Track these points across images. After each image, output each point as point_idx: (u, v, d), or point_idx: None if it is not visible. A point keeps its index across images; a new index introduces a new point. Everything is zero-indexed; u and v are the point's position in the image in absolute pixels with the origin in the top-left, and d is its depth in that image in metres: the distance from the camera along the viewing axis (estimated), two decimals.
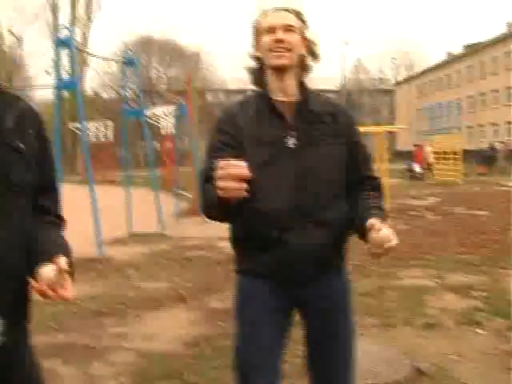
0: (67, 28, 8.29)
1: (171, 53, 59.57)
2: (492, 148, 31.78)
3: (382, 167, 14.17)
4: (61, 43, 7.86)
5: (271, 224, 1.86)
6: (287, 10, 1.92)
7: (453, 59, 57.57)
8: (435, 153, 24.02)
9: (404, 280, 6.03)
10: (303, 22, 1.96)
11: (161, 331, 4.52)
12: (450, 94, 54.06)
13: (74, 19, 42.20)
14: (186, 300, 5.39)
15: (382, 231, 1.66)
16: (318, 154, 1.89)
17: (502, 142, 33.32)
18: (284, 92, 1.95)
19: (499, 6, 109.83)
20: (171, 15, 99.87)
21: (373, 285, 5.78)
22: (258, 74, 2.01)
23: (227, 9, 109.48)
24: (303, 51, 1.96)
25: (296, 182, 1.86)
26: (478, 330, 4.30)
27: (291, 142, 1.88)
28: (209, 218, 1.94)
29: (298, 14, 1.95)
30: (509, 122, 46.84)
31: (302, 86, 1.98)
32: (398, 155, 50.02)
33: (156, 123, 17.99)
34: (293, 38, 1.90)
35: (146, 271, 6.81)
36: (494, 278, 5.97)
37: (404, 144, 63.51)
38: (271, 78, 1.96)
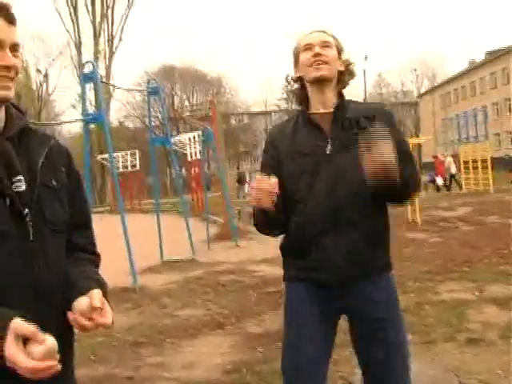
0: (91, 63, 8.47)
1: (193, 79, 60.44)
2: None
3: None
4: (86, 78, 8.02)
5: (308, 230, 1.98)
6: (323, 32, 2.08)
7: (475, 67, 57.06)
8: (464, 162, 23.68)
9: (442, 294, 5.89)
10: (338, 42, 2.10)
11: (199, 359, 4.49)
12: (475, 102, 53.44)
13: (97, 53, 43.15)
14: (223, 326, 5.36)
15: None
16: (352, 157, 1.92)
17: None
18: (323, 104, 2.06)
19: None
20: (192, 42, 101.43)
21: (410, 300, 5.67)
22: (300, 94, 2.13)
23: (247, 32, 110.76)
24: (340, 67, 2.07)
25: (331, 185, 1.96)
26: None
27: (329, 148, 1.98)
28: (258, 229, 2.14)
29: (334, 36, 2.09)
30: None
31: (340, 96, 2.09)
32: (424, 167, 49.47)
33: (182, 150, 18.17)
34: (330, 53, 2.03)
35: (181, 299, 6.81)
36: None
37: (429, 155, 62.85)
38: (312, 93, 2.08)
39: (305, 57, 2.03)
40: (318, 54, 1.99)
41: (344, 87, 2.12)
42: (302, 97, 2.12)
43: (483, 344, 4.22)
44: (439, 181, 24.24)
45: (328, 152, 1.98)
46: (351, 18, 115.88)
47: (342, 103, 2.05)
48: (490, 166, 21.14)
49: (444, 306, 5.37)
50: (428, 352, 4.17)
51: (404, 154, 1.93)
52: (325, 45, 2.02)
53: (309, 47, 2.03)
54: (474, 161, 22.53)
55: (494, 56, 52.66)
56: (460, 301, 5.52)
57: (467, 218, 12.85)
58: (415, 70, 68.62)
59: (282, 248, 2.13)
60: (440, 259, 7.82)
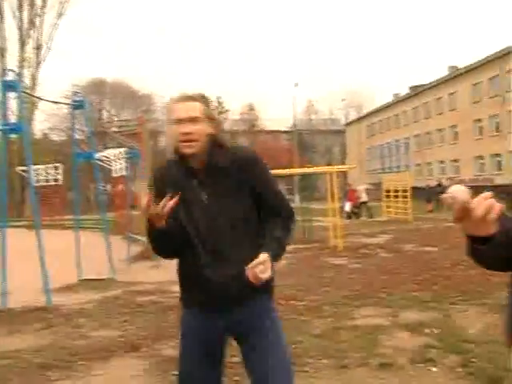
0: (14, 71, 8.17)
1: (124, 95, 59.57)
2: (439, 185, 32.75)
3: (333, 206, 14.39)
4: (7, 86, 7.72)
5: (194, 263, 2.20)
6: (192, 100, 2.16)
7: (399, 100, 59.66)
8: (386, 191, 24.56)
9: (358, 319, 6.03)
10: (207, 110, 2.18)
11: (111, 383, 4.35)
12: (398, 133, 55.79)
13: (22, 61, 41.69)
14: (138, 348, 5.22)
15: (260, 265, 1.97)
16: (223, 204, 2.17)
17: (449, 179, 34.41)
18: (197, 161, 2.19)
19: (441, 49, 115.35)
20: (124, 58, 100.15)
21: (326, 325, 5.77)
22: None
23: (180, 52, 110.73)
24: (211, 130, 2.18)
25: (208, 228, 2.18)
26: (431, 368, 4.32)
27: (204, 197, 2.18)
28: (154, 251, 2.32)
29: (203, 98, 2.19)
30: (455, 160, 48.57)
31: (213, 145, 2.19)
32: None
33: (108, 166, 17.76)
34: (199, 130, 2.13)
35: (97, 319, 6.59)
36: (445, 314, 6.05)
37: (355, 183, 64.79)
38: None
39: (176, 131, 2.14)
40: (187, 134, 2.11)
41: (218, 135, 2.24)
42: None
43: (393, 369, 4.34)
44: (347, 207, 24.73)
45: (205, 200, 2.20)
46: (284, 45, 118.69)
47: (214, 154, 2.18)
48: (409, 196, 22.03)
49: (359, 331, 5.49)
50: (341, 376, 4.24)
51: (273, 193, 2.29)
52: (194, 120, 2.12)
53: (178, 122, 2.13)
54: (396, 190, 23.43)
55: (417, 91, 55.36)
56: (375, 326, 5.66)
57: (386, 245, 13.29)
58: (344, 99, 70.89)
59: (177, 274, 2.35)
60: (358, 285, 8.02)
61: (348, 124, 72.28)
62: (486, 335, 5.15)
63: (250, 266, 1.97)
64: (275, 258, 2.11)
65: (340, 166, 25.42)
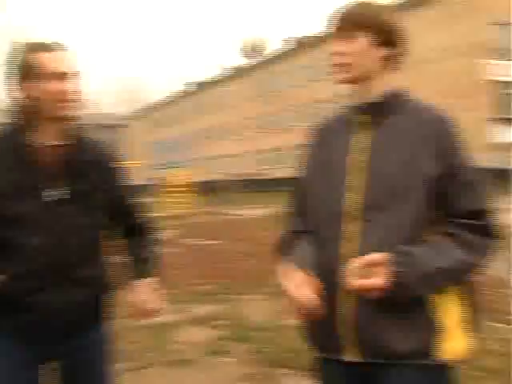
0: None
1: None
2: (220, 179, 34.27)
3: None
4: None
5: (18, 286, 1.77)
6: (63, 48, 1.81)
7: (182, 95, 60.91)
8: (168, 186, 24.85)
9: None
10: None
11: None
12: (181, 128, 56.90)
13: None
14: None
15: (140, 293, 1.81)
16: (80, 209, 1.83)
17: (235, 175, 36.19)
18: (55, 136, 1.81)
19: (215, 49, 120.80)
20: None
21: (117, 326, 5.59)
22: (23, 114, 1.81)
23: None
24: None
25: (52, 239, 1.78)
26: (225, 359, 4.47)
27: (52, 194, 1.78)
28: None
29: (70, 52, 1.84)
30: (237, 155, 51.21)
31: (74, 128, 1.87)
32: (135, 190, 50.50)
33: None
34: (77, 86, 1.81)
35: None
36: (233, 305, 6.33)
37: (137, 179, 64.43)
38: (42, 123, 1.79)
39: (54, 88, 1.75)
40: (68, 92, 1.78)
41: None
42: (21, 118, 1.82)
43: (190, 364, 4.40)
44: None
45: (52, 199, 1.80)
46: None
47: (78, 139, 1.88)
48: (193, 190, 22.61)
49: (151, 330, 5.42)
50: (139, 377, 4.15)
51: (130, 200, 2.14)
52: (75, 76, 1.81)
53: (60, 76, 1.76)
54: (179, 185, 23.85)
55: (198, 87, 57.12)
56: (166, 323, 5.64)
57: (172, 240, 13.41)
58: (125, 93, 69.92)
59: None
60: None
61: (130, 119, 71.52)
62: (271, 321, 5.52)
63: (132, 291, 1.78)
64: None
65: (125, 163, 24.99)
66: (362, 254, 1.48)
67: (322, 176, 1.67)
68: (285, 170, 44.21)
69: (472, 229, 1.52)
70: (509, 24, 29.90)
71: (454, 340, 1.55)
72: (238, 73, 50.14)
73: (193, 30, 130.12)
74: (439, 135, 1.55)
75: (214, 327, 5.43)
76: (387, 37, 1.59)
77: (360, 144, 1.61)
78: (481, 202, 1.55)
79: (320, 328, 1.62)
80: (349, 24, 1.58)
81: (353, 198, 1.57)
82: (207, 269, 8.84)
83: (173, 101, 61.79)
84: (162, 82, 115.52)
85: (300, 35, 45.17)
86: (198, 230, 15.38)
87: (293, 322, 5.38)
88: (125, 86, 70.50)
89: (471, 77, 28.06)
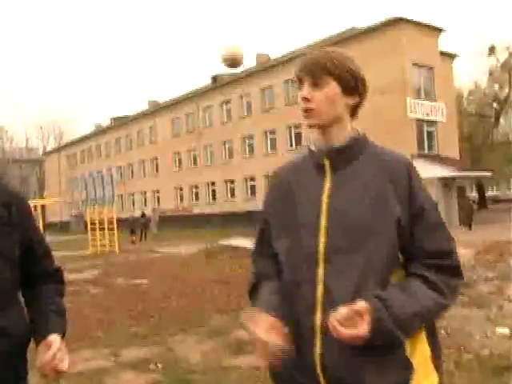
0: None
1: None
2: (143, 215, 33.66)
3: None
4: None
5: None
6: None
7: (101, 131, 59.89)
8: (91, 223, 24.10)
9: (78, 364, 5.66)
10: None
11: None
12: (101, 164, 55.73)
13: None
14: None
15: (45, 352, 1.62)
16: None
17: (154, 211, 35.61)
18: None
19: (142, 83, 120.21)
20: None
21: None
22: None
23: None
24: None
25: None
26: None
27: None
28: None
29: None
30: (156, 191, 50.66)
31: None
32: (48, 227, 48.65)
33: None
34: None
35: None
36: (166, 347, 6.13)
37: (55, 215, 62.23)
38: None
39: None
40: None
41: None
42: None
43: None
44: None
45: None
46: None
47: None
48: (115, 227, 22.04)
49: (81, 377, 5.15)
50: None
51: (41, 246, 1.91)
52: None
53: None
54: (101, 222, 23.18)
55: (119, 122, 56.39)
56: (97, 369, 5.40)
57: (97, 280, 12.97)
58: (41, 127, 67.92)
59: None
60: (72, 326, 7.55)
61: (47, 153, 69.31)
62: (207, 362, 5.39)
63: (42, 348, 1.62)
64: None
65: (42, 200, 24.12)
66: (335, 297, 1.49)
67: (289, 219, 1.66)
68: (212, 207, 44.26)
69: (439, 269, 1.54)
70: (431, 68, 31.86)
71: (424, 377, 1.57)
72: (166, 107, 50.01)
73: (122, 63, 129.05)
74: (403, 178, 1.57)
75: (149, 371, 5.21)
76: (354, 85, 1.62)
77: (325, 188, 1.61)
78: (445, 243, 1.58)
79: (296, 371, 1.59)
80: (318, 71, 1.59)
81: (322, 242, 1.56)
82: (135, 309, 8.57)
83: (94, 135, 60.64)
84: (87, 115, 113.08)
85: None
86: (123, 269, 14.97)
87: (233, 362, 5.32)
88: (45, 118, 68.30)
89: (396, 114, 29.43)
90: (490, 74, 44.99)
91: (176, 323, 7.29)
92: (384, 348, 1.48)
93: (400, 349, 1.53)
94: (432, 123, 32.05)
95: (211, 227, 38.44)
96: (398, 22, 30.39)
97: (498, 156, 42.06)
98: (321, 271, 1.55)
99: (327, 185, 1.61)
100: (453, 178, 27.11)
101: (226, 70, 46.17)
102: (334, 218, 1.57)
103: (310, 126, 1.65)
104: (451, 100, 34.40)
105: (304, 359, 1.56)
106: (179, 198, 48.65)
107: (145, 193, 52.34)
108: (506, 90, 44.58)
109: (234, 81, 42.36)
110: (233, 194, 43.19)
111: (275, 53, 45.50)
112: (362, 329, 1.40)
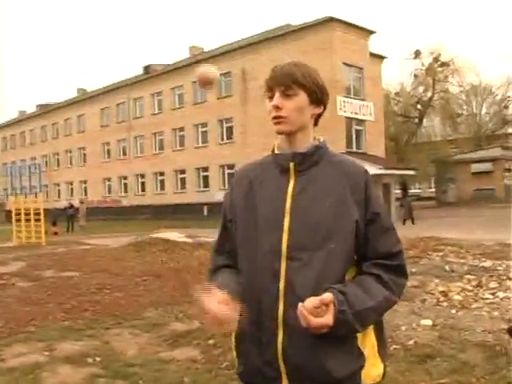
0: None
1: None
2: (71, 206, 32.79)
3: None
4: None
5: None
6: None
7: (26, 117, 57.63)
8: (16, 214, 23.23)
9: (10, 360, 5.52)
10: None
11: None
12: (25, 152, 53.75)
13: None
14: None
15: None
16: None
17: (82, 202, 34.67)
18: None
19: (71, 71, 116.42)
20: None
21: None
22: None
23: None
24: None
25: None
26: None
27: None
28: None
29: None
30: (83, 181, 49.39)
31: None
32: None
33: None
34: None
35: None
36: (103, 340, 6.10)
37: None
38: None
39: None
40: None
41: None
42: None
43: None
44: None
45: None
46: None
47: None
48: (42, 218, 21.38)
49: (15, 373, 5.05)
50: None
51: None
52: None
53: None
54: (27, 213, 22.40)
55: (45, 110, 54.45)
56: (32, 365, 5.29)
57: (24, 273, 12.56)
58: None
59: None
60: (1, 321, 7.37)
61: None
62: (145, 355, 5.43)
63: None
64: None
65: None
66: (297, 291, 1.64)
67: (251, 217, 1.78)
68: (141, 199, 43.63)
69: (389, 269, 1.74)
70: (361, 68, 32.75)
71: (373, 365, 1.77)
72: (96, 96, 48.70)
73: (50, 49, 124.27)
74: (361, 186, 1.75)
75: (87, 365, 5.18)
76: (320, 97, 1.79)
77: (289, 189, 1.75)
78: (395, 245, 1.78)
79: (256, 357, 1.72)
80: (290, 82, 1.73)
81: (285, 239, 1.69)
82: (69, 302, 8.42)
83: (18, 122, 58.26)
84: (11, 102, 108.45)
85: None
86: (52, 261, 14.56)
87: (170, 355, 5.39)
88: None
89: (327, 111, 29.94)
90: (415, 76, 46.91)
91: (111, 317, 7.24)
92: (341, 338, 1.65)
93: (354, 339, 1.70)
94: (361, 122, 33.08)
95: (140, 219, 38.01)
96: (330, 21, 31.13)
97: (421, 156, 43.95)
98: (283, 266, 1.68)
99: (291, 186, 1.75)
100: (379, 175, 28.09)
101: (158, 61, 45.65)
102: (297, 217, 1.71)
103: (280, 133, 1.79)
104: (379, 100, 35.60)
105: (266, 349, 1.69)
106: (107, 189, 47.72)
107: (71, 183, 50.93)
108: (429, 94, 46.62)
109: (167, 72, 41.94)
110: (163, 187, 42.83)
111: (209, 46, 45.40)
112: (328, 318, 1.54)
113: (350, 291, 1.63)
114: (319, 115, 1.84)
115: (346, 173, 1.76)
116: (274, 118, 1.76)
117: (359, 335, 1.71)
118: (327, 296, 1.55)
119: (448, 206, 41.98)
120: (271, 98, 1.77)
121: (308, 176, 1.76)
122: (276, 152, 1.84)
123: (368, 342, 1.76)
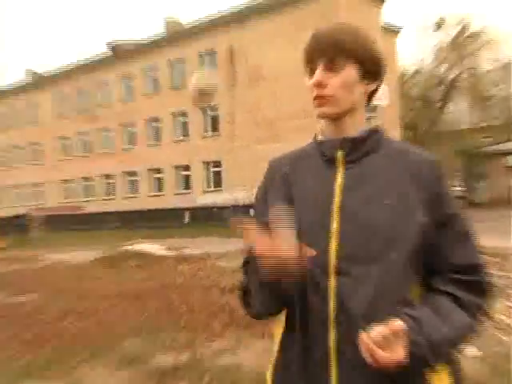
0: None
1: None
2: (23, 215, 32.64)
3: None
4: None
5: None
6: None
7: None
8: None
9: None
10: None
11: None
12: None
13: None
14: None
15: None
16: None
17: (40, 209, 34.49)
18: None
19: (19, 50, 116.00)
20: None
21: None
22: None
23: None
24: None
25: None
26: None
27: None
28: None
29: None
30: (38, 184, 49.10)
31: None
32: None
33: None
34: None
35: None
36: (73, 378, 6.02)
37: None
38: None
39: None
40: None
41: None
42: None
43: None
44: None
45: None
46: None
47: None
48: None
49: None
50: None
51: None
52: None
53: None
54: None
55: None
56: None
57: None
58: None
59: None
60: None
61: None
62: None
63: None
64: None
65: None
66: (350, 315, 1.53)
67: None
68: (109, 204, 43.43)
69: (468, 287, 1.61)
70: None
71: None
72: (50, 80, 48.47)
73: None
74: (430, 180, 1.62)
75: None
76: (374, 69, 1.68)
77: (336, 184, 1.64)
78: (475, 256, 1.65)
79: None
80: (337, 52, 1.61)
81: (334, 249, 1.58)
82: (26, 333, 8.30)
83: None
84: None
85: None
86: (2, 282, 14.43)
87: None
88: None
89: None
90: (438, 51, 46.71)
91: (81, 349, 7.13)
92: (408, 374, 1.52)
93: (422, 377, 1.59)
94: (372, 108, 33.06)
95: (108, 229, 37.81)
96: None
97: (445, 147, 43.94)
98: (332, 283, 1.57)
99: (338, 180, 1.65)
100: None
101: (127, 37, 45.25)
102: (348, 221, 1.60)
103: (323, 116, 1.69)
104: (394, 81, 35.69)
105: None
106: (67, 193, 47.49)
107: (21, 186, 50.58)
108: (455, 72, 46.51)
109: (138, 51, 41.81)
110: (134, 189, 42.69)
111: (188, 19, 45.32)
112: (399, 352, 1.43)
113: (423, 317, 1.52)
114: (373, 92, 1.72)
115: (410, 164, 1.64)
116: (316, 97, 1.65)
117: (431, 375, 1.59)
118: (398, 324, 1.44)
119: (479, 207, 42.11)
120: (312, 72, 1.67)
121: (360, 168, 1.65)
122: (319, 139, 1.74)
123: (441, 380, 1.63)
